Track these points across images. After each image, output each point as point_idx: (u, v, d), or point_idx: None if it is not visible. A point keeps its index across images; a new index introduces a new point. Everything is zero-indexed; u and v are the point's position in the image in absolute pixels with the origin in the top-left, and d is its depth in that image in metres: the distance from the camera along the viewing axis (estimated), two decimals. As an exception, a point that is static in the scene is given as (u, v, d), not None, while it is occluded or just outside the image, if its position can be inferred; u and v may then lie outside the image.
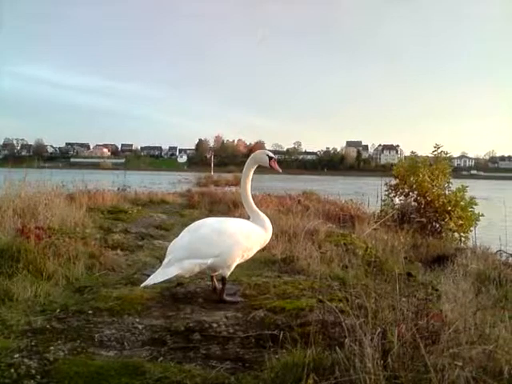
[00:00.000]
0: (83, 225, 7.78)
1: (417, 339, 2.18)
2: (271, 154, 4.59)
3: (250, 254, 4.37)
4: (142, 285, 4.01)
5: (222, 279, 4.27)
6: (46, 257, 4.93)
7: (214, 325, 3.61)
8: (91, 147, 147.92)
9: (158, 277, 3.94)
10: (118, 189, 16.07)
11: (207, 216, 11.41)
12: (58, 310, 3.94)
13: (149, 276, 5.02)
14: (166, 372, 2.76)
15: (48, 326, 3.55)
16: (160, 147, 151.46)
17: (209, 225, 4.30)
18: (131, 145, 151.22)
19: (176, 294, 4.44)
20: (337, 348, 2.33)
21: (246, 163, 4.61)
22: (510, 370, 2.17)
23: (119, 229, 8.45)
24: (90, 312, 3.90)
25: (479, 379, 2.06)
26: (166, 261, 4.07)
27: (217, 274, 4.31)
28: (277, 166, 4.61)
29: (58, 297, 4.35)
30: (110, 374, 2.72)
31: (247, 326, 3.62)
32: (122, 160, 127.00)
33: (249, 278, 4.96)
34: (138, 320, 3.74)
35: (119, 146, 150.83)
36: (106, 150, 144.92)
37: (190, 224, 10.13)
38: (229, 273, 4.24)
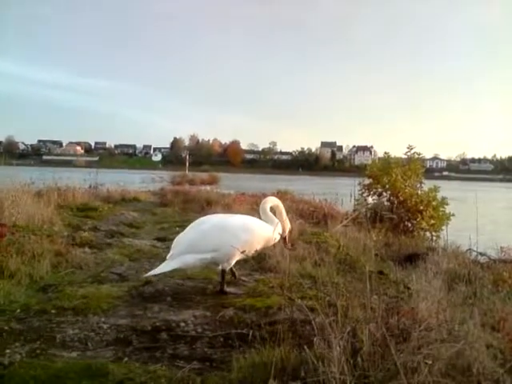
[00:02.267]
0: (51, 222, 7.58)
1: (387, 337, 2.13)
2: (284, 235, 4.69)
3: (253, 250, 4.42)
4: (144, 275, 4.27)
5: (222, 272, 4.37)
6: (8, 254, 4.74)
7: (182, 324, 3.51)
8: (64, 145, 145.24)
9: (161, 268, 4.19)
10: (90, 186, 15.78)
11: (180, 214, 11.43)
12: (19, 310, 3.76)
13: (120, 274, 4.99)
14: (129, 373, 2.64)
15: (6, 328, 3.36)
16: (134, 145, 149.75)
17: (210, 221, 4.48)
18: (105, 143, 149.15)
19: (144, 292, 4.32)
20: (305, 347, 2.26)
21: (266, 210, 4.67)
22: (479, 367, 2.14)
23: (88, 226, 8.27)
24: (52, 311, 3.74)
25: (448, 376, 2.02)
26: (169, 255, 4.28)
27: (218, 267, 4.41)
28: (287, 246, 4.88)
29: (20, 296, 4.14)
30: (69, 377, 2.57)
31: (216, 325, 3.52)
32: (96, 158, 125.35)
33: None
34: (103, 319, 3.60)
35: (93, 144, 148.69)
36: (79, 147, 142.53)
37: (161, 222, 10.07)
38: (229, 267, 4.38)
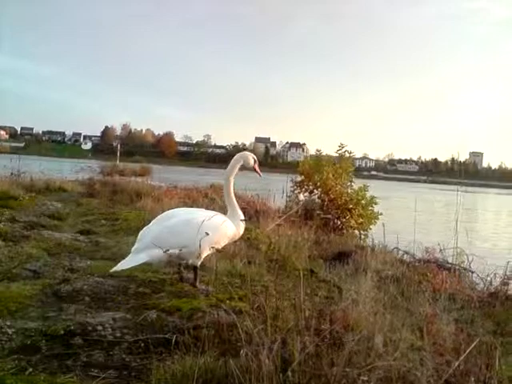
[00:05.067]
0: (-40, 213, 6.96)
1: (319, 348, 1.98)
2: (256, 158, 4.80)
3: (219, 247, 4.39)
4: (111, 270, 3.98)
5: (194, 268, 4.32)
6: None
7: (99, 327, 3.19)
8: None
9: (127, 263, 3.97)
10: (12, 174, 14.85)
11: (107, 206, 10.92)
12: None
13: (34, 271, 4.60)
14: None
15: None
16: (63, 132, 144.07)
17: (178, 215, 4.36)
18: (32, 128, 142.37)
19: (60, 291, 3.97)
20: (231, 361, 2.07)
21: (232, 162, 4.70)
22: (412, 379, 2.04)
23: (6, 217, 7.65)
24: None
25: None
26: (134, 247, 4.11)
27: (185, 262, 4.33)
28: (259, 170, 4.89)
29: None
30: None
31: (137, 329, 3.23)
32: (22, 144, 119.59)
33: (144, 274, 4.59)
34: (9, 323, 3.18)
35: (18, 129, 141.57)
36: (3, 132, 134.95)
37: (86, 214, 9.58)
38: (199, 262, 4.27)
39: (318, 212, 11.00)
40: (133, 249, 4.09)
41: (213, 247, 4.15)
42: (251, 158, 4.75)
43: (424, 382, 1.85)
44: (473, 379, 1.92)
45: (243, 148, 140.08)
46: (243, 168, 4.76)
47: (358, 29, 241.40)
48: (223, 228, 4.33)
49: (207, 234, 3.91)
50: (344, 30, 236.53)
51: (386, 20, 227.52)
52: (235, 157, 4.77)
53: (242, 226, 4.59)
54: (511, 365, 2.25)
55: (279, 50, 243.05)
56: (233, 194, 4.66)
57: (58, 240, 6.29)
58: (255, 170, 4.82)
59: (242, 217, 4.59)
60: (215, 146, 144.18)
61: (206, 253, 4.23)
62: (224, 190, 4.71)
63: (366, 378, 1.75)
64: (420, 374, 1.93)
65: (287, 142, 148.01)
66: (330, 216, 11.32)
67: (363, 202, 12.29)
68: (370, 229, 12.14)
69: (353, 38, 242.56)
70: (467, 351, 2.02)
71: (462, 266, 7.32)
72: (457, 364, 1.96)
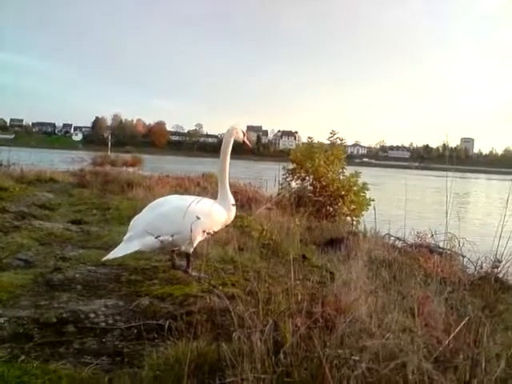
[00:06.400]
0: (-51, 203, 6.89)
1: (311, 330, 1.99)
2: (244, 131, 4.82)
3: (211, 232, 4.32)
4: (102, 259, 3.98)
5: (187, 255, 4.33)
6: None
7: (92, 315, 3.19)
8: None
9: (119, 251, 3.94)
10: (1, 165, 14.77)
11: (98, 196, 10.88)
12: None
13: (26, 260, 4.58)
14: (24, 375, 2.28)
15: None
16: (53, 124, 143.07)
17: (170, 202, 4.33)
18: (21, 120, 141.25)
19: (52, 280, 3.95)
20: (223, 344, 2.07)
21: (224, 140, 4.66)
22: (404, 357, 2.06)
23: (-5, 208, 7.62)
24: None
25: (373, 369, 1.92)
26: (127, 236, 4.07)
27: (177, 249, 4.35)
28: (248, 142, 4.90)
29: None
30: None
31: (129, 316, 3.24)
32: (11, 136, 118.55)
33: (136, 262, 4.59)
34: (0, 312, 3.18)
35: (8, 121, 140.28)
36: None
37: (78, 204, 9.53)
38: (192, 249, 4.28)
39: (309, 194, 11.00)
40: (125, 237, 4.06)
41: (204, 231, 4.09)
42: (240, 131, 4.73)
43: (414, 360, 1.86)
44: (461, 356, 1.94)
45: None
46: (234, 149, 4.73)
47: (348, 24, 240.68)
48: (214, 212, 4.32)
49: (198, 218, 3.86)
50: (334, 24, 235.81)
51: (376, 15, 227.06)
52: (226, 133, 4.69)
53: (233, 210, 4.57)
54: (499, 343, 2.27)
55: (271, 44, 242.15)
56: (227, 176, 4.62)
57: (49, 230, 6.26)
58: (244, 142, 4.80)
59: (233, 201, 4.57)
60: (207, 135, 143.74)
61: (198, 239, 4.22)
62: (219, 169, 4.65)
63: (357, 358, 1.77)
64: (411, 352, 1.94)
65: (279, 131, 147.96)
66: (321, 199, 11.35)
67: (355, 188, 12.32)
68: (362, 215, 12.18)
69: (342, 32, 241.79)
70: (457, 329, 2.03)
71: (454, 250, 7.36)
72: (446, 342, 1.98)
